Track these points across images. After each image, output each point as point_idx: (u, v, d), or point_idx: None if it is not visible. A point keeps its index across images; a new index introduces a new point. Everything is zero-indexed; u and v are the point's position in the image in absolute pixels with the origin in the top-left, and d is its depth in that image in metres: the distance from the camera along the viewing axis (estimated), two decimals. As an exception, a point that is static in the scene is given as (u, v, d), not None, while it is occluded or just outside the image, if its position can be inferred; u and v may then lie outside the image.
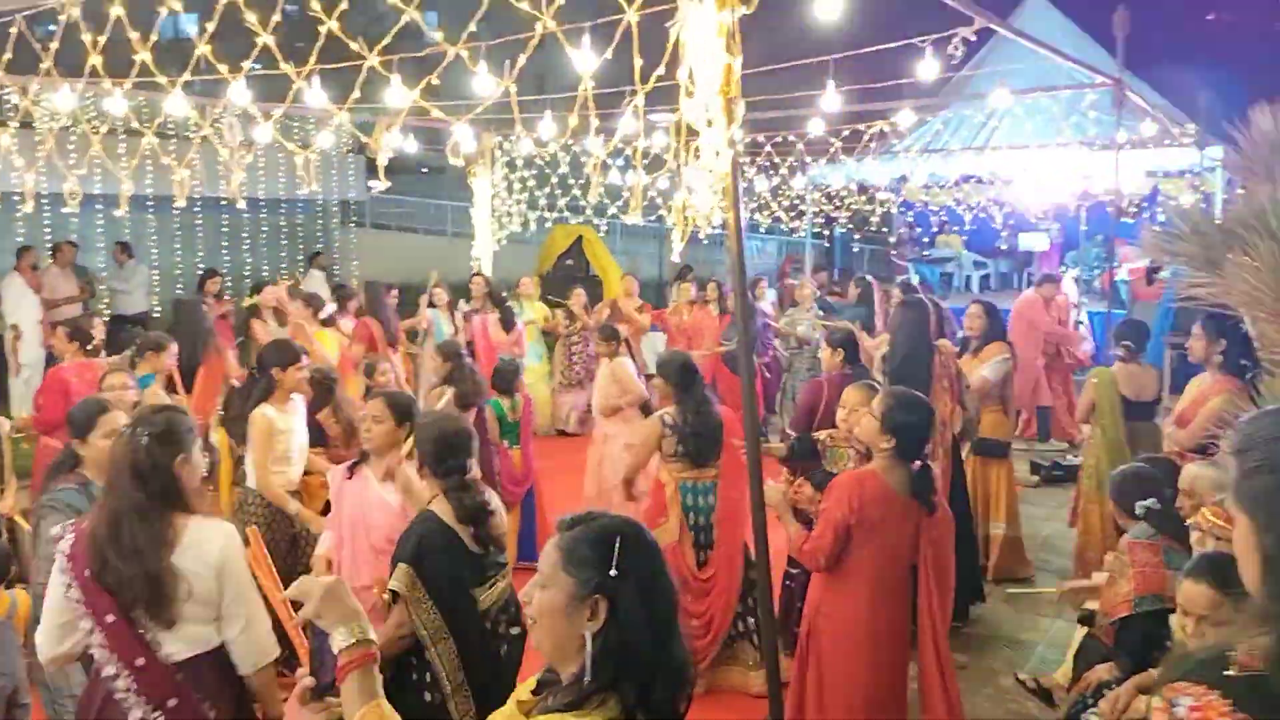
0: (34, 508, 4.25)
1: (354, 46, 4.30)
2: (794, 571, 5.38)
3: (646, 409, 6.59)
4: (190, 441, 3.09)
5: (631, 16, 3.47)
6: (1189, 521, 3.91)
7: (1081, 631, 4.65)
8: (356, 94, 4.81)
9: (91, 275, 12.65)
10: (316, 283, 13.04)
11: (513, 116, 4.45)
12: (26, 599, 3.93)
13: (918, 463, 3.93)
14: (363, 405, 4.83)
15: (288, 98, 4.96)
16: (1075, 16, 15.00)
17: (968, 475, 6.48)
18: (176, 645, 2.95)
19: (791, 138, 11.50)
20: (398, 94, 4.62)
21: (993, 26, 6.23)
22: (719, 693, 5.23)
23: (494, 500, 3.53)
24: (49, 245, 11.95)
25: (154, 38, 4.89)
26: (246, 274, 15.37)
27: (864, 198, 15.67)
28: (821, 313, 10.24)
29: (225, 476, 5.97)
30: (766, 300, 11.65)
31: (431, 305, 10.13)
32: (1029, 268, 17.37)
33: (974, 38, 5.83)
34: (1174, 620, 3.49)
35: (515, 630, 3.40)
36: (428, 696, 3.28)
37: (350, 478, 4.28)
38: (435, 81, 4.33)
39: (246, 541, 2.62)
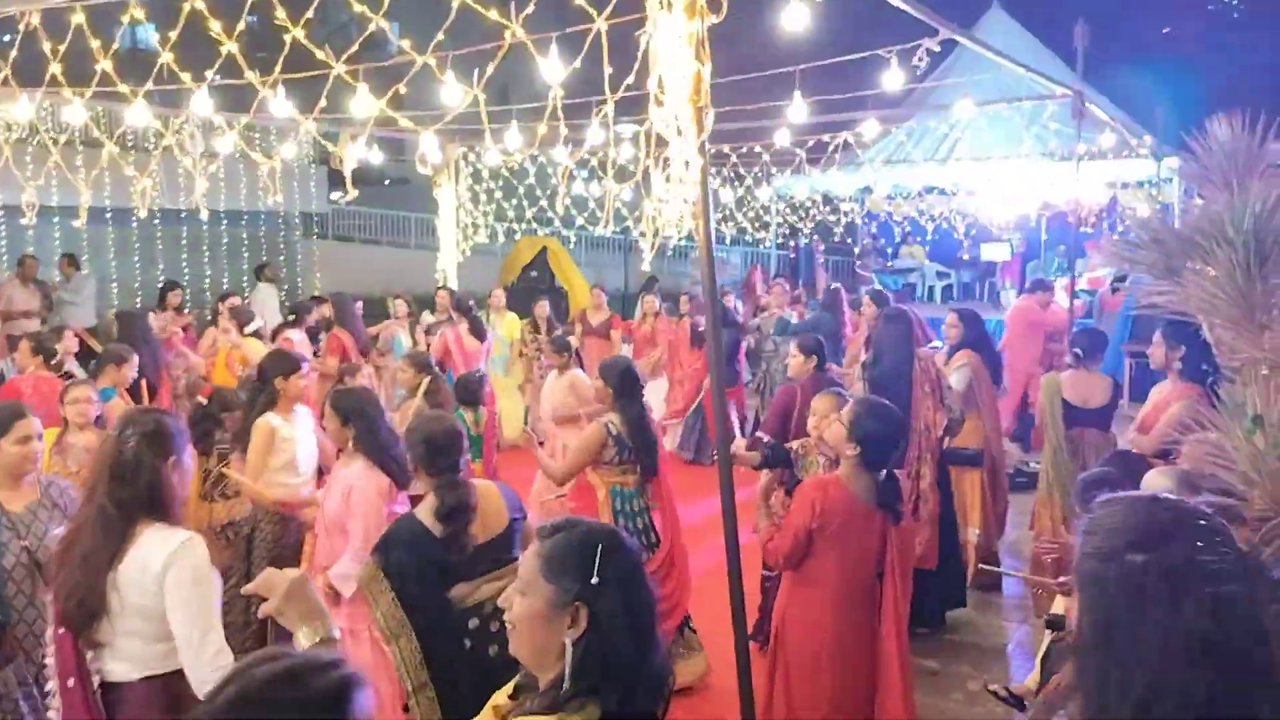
0: None
1: (320, 55, 4.27)
2: (772, 574, 5.40)
3: None
4: (182, 445, 2.97)
5: (600, 25, 3.47)
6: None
7: (1049, 636, 4.68)
8: (323, 103, 4.78)
9: (49, 288, 12.45)
10: (265, 296, 12.91)
11: (477, 127, 4.45)
12: None
13: (884, 472, 3.96)
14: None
15: (252, 107, 4.91)
16: (1035, 30, 15.26)
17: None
18: (116, 665, 2.77)
19: (757, 148, 11.56)
20: (363, 104, 4.60)
21: (956, 38, 6.30)
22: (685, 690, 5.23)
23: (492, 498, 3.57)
24: (3, 257, 11.76)
25: (115, 46, 4.84)
26: (206, 286, 15.20)
27: (829, 208, 15.80)
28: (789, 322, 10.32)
29: (194, 489, 5.90)
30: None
31: (385, 318, 10.14)
32: (991, 278, 17.57)
33: (938, 49, 5.91)
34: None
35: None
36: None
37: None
38: (403, 90, 4.31)
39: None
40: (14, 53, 5.40)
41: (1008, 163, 13.05)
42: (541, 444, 6.52)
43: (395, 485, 4.38)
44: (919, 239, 17.17)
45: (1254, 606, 1.49)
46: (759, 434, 5.64)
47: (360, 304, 10.46)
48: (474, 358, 9.34)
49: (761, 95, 9.18)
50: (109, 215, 13.20)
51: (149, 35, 7.94)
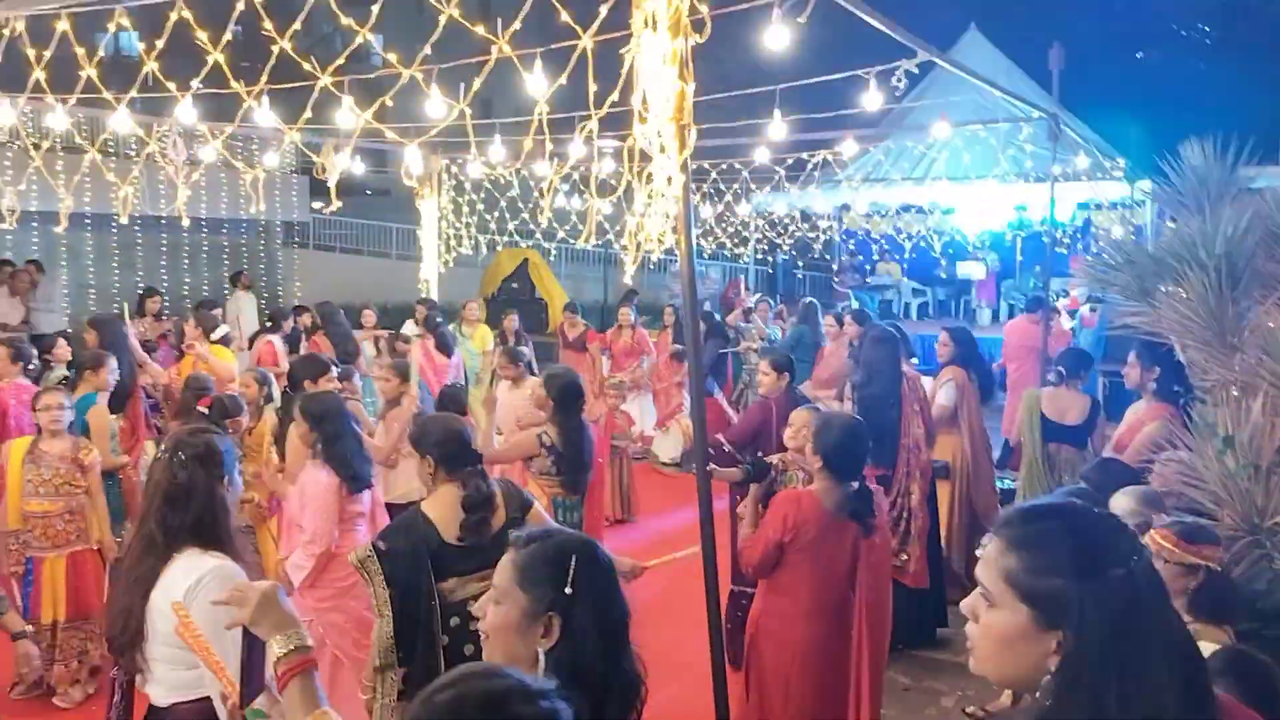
0: None
1: (306, 67, 4.29)
2: (742, 589, 5.41)
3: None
4: (231, 463, 2.91)
5: (586, 41, 3.51)
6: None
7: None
8: (308, 114, 4.79)
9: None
10: (243, 304, 12.85)
11: (461, 139, 4.48)
12: None
13: (856, 484, 4.00)
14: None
15: (237, 116, 4.93)
16: (1011, 53, 15.45)
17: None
18: (155, 690, 2.77)
19: (737, 165, 11.65)
20: (348, 115, 4.62)
21: (934, 60, 6.39)
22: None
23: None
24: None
25: (100, 54, 4.84)
26: (186, 293, 15.12)
27: (807, 225, 15.92)
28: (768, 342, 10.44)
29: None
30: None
31: (359, 327, 10.14)
32: (966, 295, 17.74)
33: (916, 70, 5.99)
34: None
35: None
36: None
37: None
38: (389, 104, 4.34)
39: None
40: (-2, 59, 5.38)
41: (984, 183, 13.21)
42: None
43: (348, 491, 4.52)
44: (896, 256, 17.32)
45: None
46: (719, 436, 5.62)
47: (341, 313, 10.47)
48: (444, 371, 9.39)
49: (742, 113, 9.27)
50: (88, 221, 13.12)
51: (132, 42, 7.91)
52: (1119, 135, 13.35)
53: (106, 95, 4.96)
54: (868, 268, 18.30)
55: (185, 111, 5.25)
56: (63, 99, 5.45)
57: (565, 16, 3.51)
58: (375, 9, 3.82)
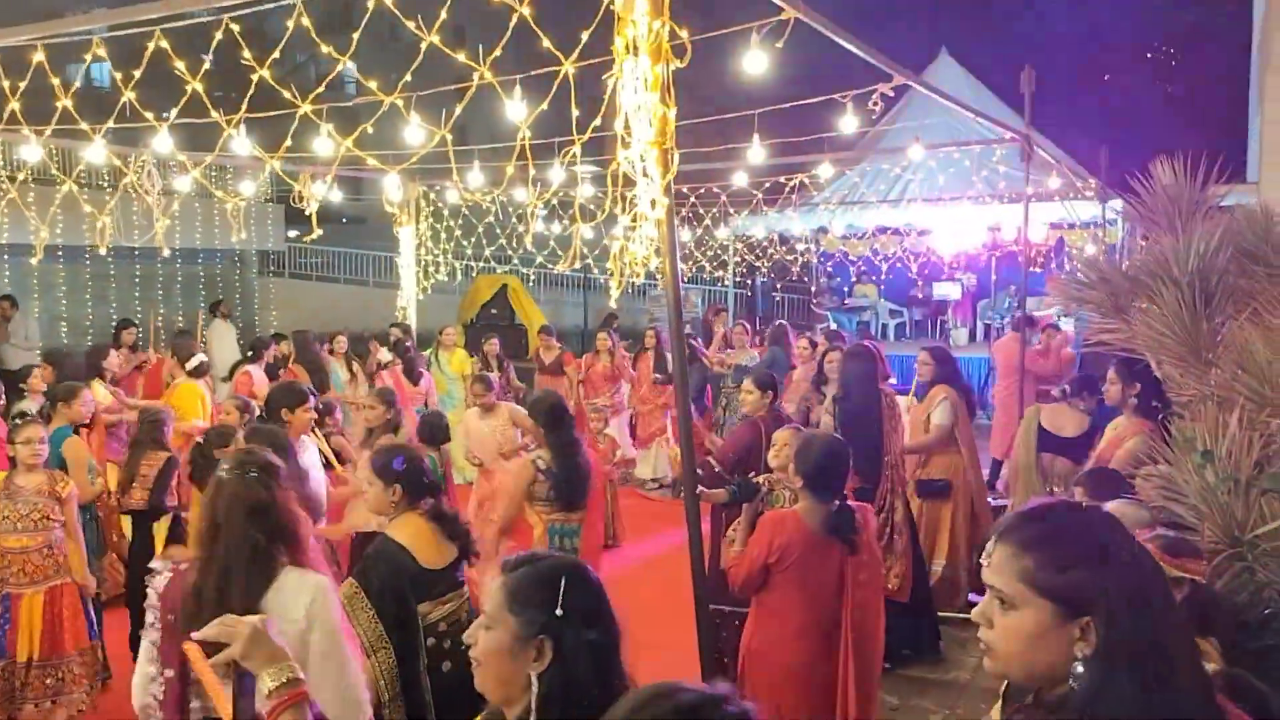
0: None
1: (286, 95, 4.29)
2: (734, 610, 5.41)
3: None
4: (284, 477, 2.96)
5: (569, 68, 3.54)
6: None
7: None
8: (288, 143, 4.80)
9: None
10: (221, 333, 12.77)
11: (438, 166, 4.49)
12: None
13: (837, 502, 4.02)
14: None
15: (217, 146, 4.92)
16: (982, 76, 15.67)
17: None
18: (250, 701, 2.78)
19: (715, 189, 11.73)
20: (327, 143, 4.63)
21: (909, 83, 6.47)
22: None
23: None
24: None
25: (75, 85, 4.83)
26: (160, 325, 15.00)
27: (785, 248, 16.03)
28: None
29: (160, 529, 5.90)
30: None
31: (330, 353, 10.11)
32: (943, 316, 17.86)
33: (891, 93, 6.06)
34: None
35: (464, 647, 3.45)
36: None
37: None
38: (370, 130, 4.35)
39: None
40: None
41: (958, 204, 13.34)
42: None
43: None
44: (873, 278, 17.44)
45: None
46: (709, 457, 5.64)
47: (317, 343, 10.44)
48: (414, 398, 9.43)
49: (719, 138, 9.34)
50: (60, 253, 13.00)
51: (104, 73, 7.90)
52: (1089, 155, 13.52)
53: (83, 126, 4.94)
54: (845, 289, 18.42)
55: (162, 142, 5.25)
56: (38, 130, 5.43)
57: (547, 43, 3.54)
58: (355, 36, 3.84)
